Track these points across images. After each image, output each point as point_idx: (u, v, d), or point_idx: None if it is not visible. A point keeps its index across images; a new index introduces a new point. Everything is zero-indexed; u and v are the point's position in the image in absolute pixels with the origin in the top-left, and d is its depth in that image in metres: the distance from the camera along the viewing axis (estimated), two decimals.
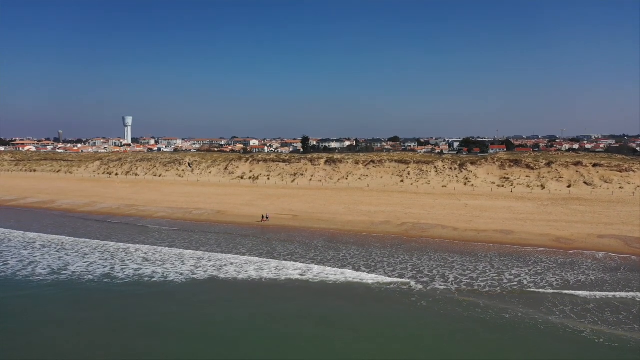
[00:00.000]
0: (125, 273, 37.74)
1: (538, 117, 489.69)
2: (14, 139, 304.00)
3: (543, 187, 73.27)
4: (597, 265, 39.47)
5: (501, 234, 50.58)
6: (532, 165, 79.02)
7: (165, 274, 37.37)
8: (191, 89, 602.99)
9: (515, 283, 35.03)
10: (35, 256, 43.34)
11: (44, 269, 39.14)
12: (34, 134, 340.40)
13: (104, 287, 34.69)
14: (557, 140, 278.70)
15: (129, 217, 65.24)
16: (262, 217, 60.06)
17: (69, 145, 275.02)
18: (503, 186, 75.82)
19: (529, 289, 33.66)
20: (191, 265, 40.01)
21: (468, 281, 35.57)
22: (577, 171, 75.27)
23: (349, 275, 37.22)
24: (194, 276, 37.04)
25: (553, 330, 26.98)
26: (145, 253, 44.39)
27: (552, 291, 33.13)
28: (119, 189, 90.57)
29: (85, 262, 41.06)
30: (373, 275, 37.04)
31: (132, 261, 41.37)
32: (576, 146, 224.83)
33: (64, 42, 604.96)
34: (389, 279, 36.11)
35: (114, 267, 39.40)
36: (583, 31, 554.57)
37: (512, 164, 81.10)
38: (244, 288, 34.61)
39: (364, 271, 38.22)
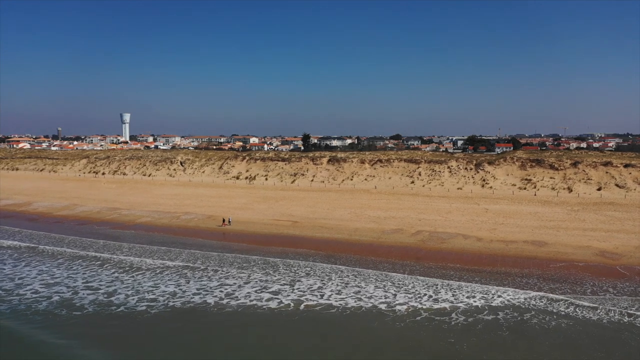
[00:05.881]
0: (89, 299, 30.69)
1: (539, 116, 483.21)
2: (13, 135, 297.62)
3: (570, 189, 66.15)
4: None
5: (533, 246, 43.61)
6: (556, 165, 71.79)
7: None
8: (192, 87, 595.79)
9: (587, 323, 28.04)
10: None
11: None
12: (34, 132, 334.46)
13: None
14: (563, 139, 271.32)
15: (108, 222, 58.13)
16: (224, 220, 55.08)
17: (65, 142, 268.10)
18: (525, 188, 68.66)
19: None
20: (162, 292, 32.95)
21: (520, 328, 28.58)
22: (607, 172, 68.10)
23: (371, 300, 30.25)
24: (173, 304, 30.02)
25: None
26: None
27: None
28: (104, 190, 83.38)
29: (42, 285, 34.01)
30: (397, 307, 30.08)
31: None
32: (583, 145, 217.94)
33: (65, 40, 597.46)
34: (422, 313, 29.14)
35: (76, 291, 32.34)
36: (583, 30, 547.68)
37: (533, 163, 73.85)
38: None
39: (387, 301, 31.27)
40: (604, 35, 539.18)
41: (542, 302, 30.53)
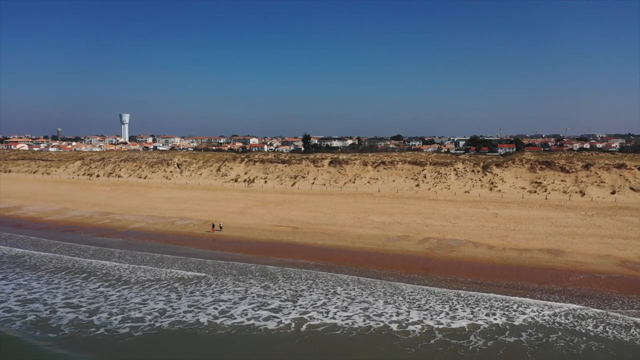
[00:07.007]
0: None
1: (539, 116, 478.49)
2: (12, 136, 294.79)
3: (582, 193, 63.25)
4: None
5: (549, 255, 40.81)
6: (567, 167, 68.89)
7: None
8: (191, 87, 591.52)
9: None
10: None
11: None
12: (35, 132, 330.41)
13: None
14: (565, 139, 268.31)
15: (99, 228, 55.29)
16: (213, 226, 52.12)
17: (64, 143, 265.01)
18: (535, 192, 65.73)
19: None
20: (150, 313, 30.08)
21: None
22: (620, 175, 65.20)
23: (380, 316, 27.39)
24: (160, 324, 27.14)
25: None
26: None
27: None
28: (98, 193, 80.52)
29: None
30: (412, 327, 27.22)
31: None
32: (587, 145, 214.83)
33: (65, 40, 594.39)
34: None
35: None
36: (584, 30, 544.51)
37: (543, 166, 70.93)
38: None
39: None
40: (604, 35, 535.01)
41: (568, 320, 27.73)
